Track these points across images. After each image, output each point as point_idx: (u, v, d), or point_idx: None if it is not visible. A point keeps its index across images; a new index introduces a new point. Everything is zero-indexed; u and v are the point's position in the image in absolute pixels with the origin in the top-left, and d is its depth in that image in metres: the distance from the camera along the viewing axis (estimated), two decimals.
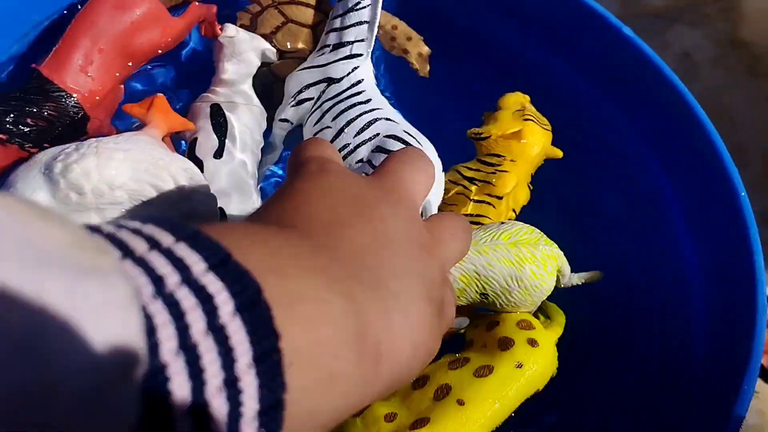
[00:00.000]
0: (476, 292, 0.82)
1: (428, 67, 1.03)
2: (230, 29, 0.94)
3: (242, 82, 0.96)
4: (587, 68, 1.03)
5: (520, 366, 0.78)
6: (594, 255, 0.89)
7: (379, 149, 0.87)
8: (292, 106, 0.94)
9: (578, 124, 1.02)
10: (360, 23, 0.93)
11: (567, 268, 0.85)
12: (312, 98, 0.93)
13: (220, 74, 0.96)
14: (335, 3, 0.98)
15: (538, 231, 0.85)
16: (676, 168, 0.96)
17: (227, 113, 0.92)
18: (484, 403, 0.76)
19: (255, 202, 0.90)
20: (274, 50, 0.97)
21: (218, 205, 0.86)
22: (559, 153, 0.99)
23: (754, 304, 0.80)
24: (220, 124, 0.91)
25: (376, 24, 0.94)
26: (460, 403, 0.76)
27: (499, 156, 0.96)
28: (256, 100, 0.97)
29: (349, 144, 0.87)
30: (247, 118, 0.93)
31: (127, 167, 0.81)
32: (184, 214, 0.85)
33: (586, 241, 0.94)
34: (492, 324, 0.83)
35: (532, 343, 0.80)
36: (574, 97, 1.03)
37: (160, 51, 0.97)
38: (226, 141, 0.90)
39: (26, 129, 0.85)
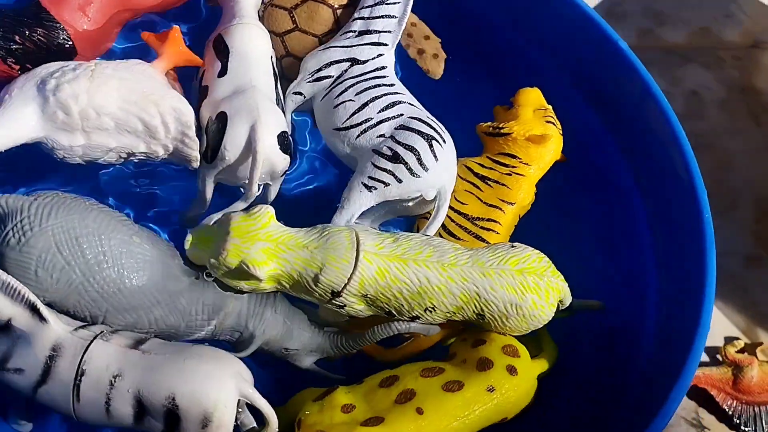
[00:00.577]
0: (474, 311, 0.81)
1: (441, 71, 1.04)
2: None
3: (245, 11, 0.97)
4: (579, 80, 1.04)
5: (491, 390, 0.77)
6: (567, 266, 0.87)
7: (403, 127, 0.88)
8: (309, 81, 0.96)
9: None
10: (389, 16, 0.97)
11: (568, 299, 0.84)
12: (331, 76, 0.95)
13: (225, 10, 0.98)
14: None
15: (547, 260, 0.84)
16: (649, 183, 0.97)
17: (231, 36, 0.94)
18: (443, 417, 0.75)
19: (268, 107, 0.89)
20: None
21: (219, 111, 0.87)
22: (564, 158, 0.97)
23: (696, 330, 0.81)
24: (221, 49, 0.94)
25: (405, 21, 0.97)
26: (419, 411, 0.75)
27: (513, 157, 0.93)
28: (259, 23, 0.98)
29: (371, 118, 0.90)
30: (248, 35, 0.94)
31: (116, 96, 0.84)
32: (165, 151, 0.88)
33: (561, 249, 0.93)
34: (478, 342, 0.83)
35: (512, 370, 0.79)
36: (567, 110, 1.01)
37: (160, 9, 0.99)
38: (230, 62, 0.92)
39: (13, 46, 0.87)
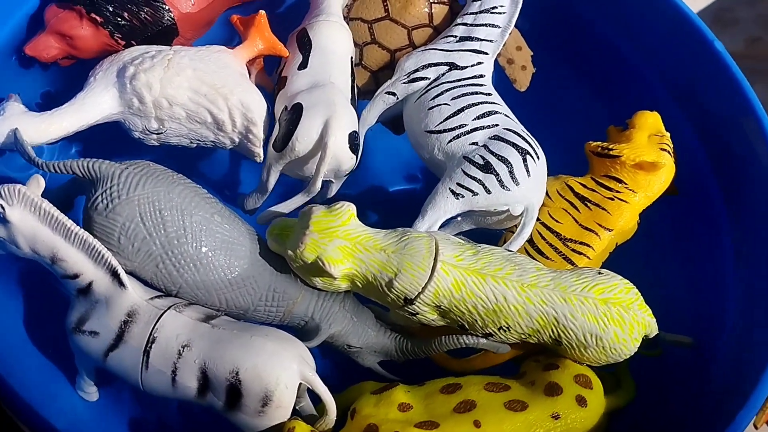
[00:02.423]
0: (550, 336, 0.79)
1: (527, 83, 1.01)
2: None
3: (332, 8, 0.96)
4: (671, 82, 0.99)
5: (555, 417, 0.75)
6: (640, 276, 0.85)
7: (497, 138, 0.87)
8: (404, 82, 0.95)
9: None
10: (493, 26, 0.95)
11: (654, 333, 0.81)
12: (428, 78, 0.94)
13: (313, 5, 0.97)
14: (463, 1, 0.99)
15: (636, 292, 0.80)
16: (736, 196, 0.93)
17: (315, 31, 0.94)
18: None
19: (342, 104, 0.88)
20: None
21: (296, 102, 0.86)
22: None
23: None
24: (304, 43, 0.94)
25: (508, 32, 0.95)
26: (477, 424, 0.73)
27: (619, 182, 0.89)
28: (343, 23, 0.97)
29: (466, 125, 0.88)
30: (332, 33, 0.94)
31: (187, 87, 0.86)
32: (231, 143, 0.89)
33: (640, 273, 0.90)
34: (550, 366, 0.80)
35: (581, 401, 0.76)
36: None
37: None
38: (311, 56, 0.92)
39: (121, 22, 0.90)
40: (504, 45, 0.99)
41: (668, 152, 0.90)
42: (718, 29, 1.30)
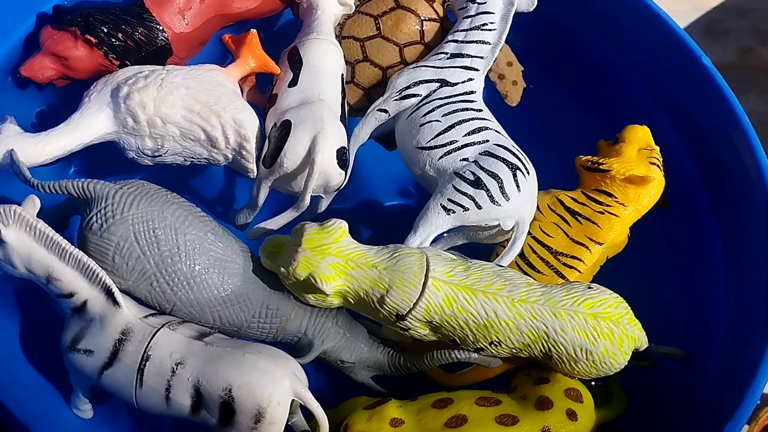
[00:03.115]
0: (541, 351, 0.79)
1: (518, 98, 1.02)
2: None
3: (323, 27, 0.98)
4: (661, 96, 1.00)
5: (546, 431, 0.75)
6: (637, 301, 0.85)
7: (488, 153, 0.87)
8: (396, 99, 0.96)
9: None
10: (483, 42, 0.96)
11: (644, 346, 0.81)
12: (419, 95, 0.95)
13: (304, 24, 0.99)
14: (454, 18, 1.00)
15: (626, 306, 0.80)
16: (726, 208, 0.93)
17: (305, 49, 0.95)
18: None
19: (331, 122, 0.89)
20: (351, 0, 0.99)
21: (284, 119, 0.87)
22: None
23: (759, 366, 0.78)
24: (295, 60, 0.95)
25: (499, 48, 0.96)
26: None
27: (609, 195, 0.90)
28: (334, 41, 0.98)
29: (456, 141, 0.89)
30: (322, 50, 0.95)
31: (180, 106, 0.87)
32: (225, 160, 0.90)
33: (631, 282, 0.90)
34: (541, 380, 0.81)
35: (571, 415, 0.76)
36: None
37: (253, 16, 1.00)
38: (301, 73, 0.93)
39: (116, 42, 0.91)
40: (496, 61, 1.00)
41: (658, 166, 0.90)
42: (710, 40, 1.31)
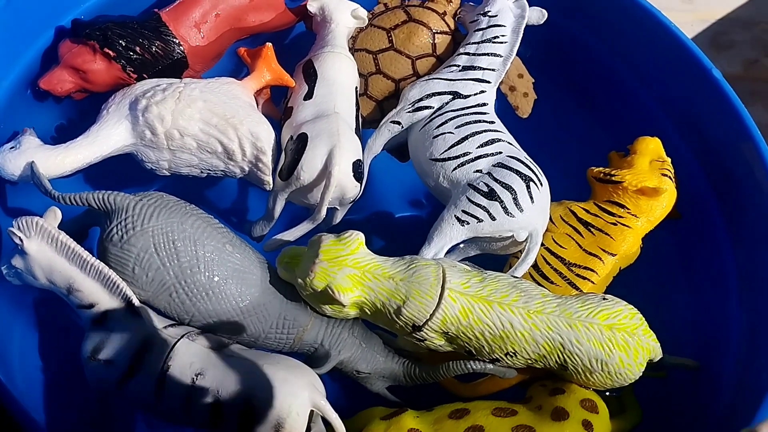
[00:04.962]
0: (556, 362, 0.80)
1: (529, 110, 1.03)
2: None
3: (337, 40, 0.99)
4: (671, 108, 1.01)
5: None
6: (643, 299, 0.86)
7: (501, 165, 0.88)
8: (409, 111, 0.97)
9: None
10: (495, 55, 0.97)
11: (658, 357, 0.82)
12: (432, 107, 0.96)
13: (318, 37, 1.00)
14: (465, 31, 1.02)
15: (640, 317, 0.81)
16: (737, 219, 0.94)
17: (320, 62, 0.96)
18: None
19: (348, 134, 0.90)
20: (364, 13, 1.00)
21: (301, 132, 0.88)
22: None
23: None
24: (309, 74, 0.96)
25: (510, 61, 0.97)
26: None
27: (621, 206, 0.91)
28: (348, 54, 0.99)
29: (470, 153, 0.90)
30: (337, 63, 0.96)
31: (198, 119, 0.88)
32: (241, 172, 0.91)
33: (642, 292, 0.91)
34: (557, 390, 0.81)
35: (587, 426, 0.76)
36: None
37: (267, 30, 1.02)
38: (316, 86, 0.94)
39: (133, 56, 0.92)
40: (507, 74, 1.00)
41: (669, 177, 0.91)
42: (716, 53, 1.32)
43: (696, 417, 0.87)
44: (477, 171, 0.89)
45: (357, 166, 0.89)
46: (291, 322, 0.84)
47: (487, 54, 0.97)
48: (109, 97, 0.91)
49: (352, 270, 0.77)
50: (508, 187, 0.86)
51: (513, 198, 0.86)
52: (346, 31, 1.01)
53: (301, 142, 0.89)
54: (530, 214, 0.86)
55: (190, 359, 0.78)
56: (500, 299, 0.78)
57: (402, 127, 0.98)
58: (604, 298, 0.81)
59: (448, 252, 0.88)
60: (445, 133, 0.93)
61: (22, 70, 0.95)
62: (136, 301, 0.79)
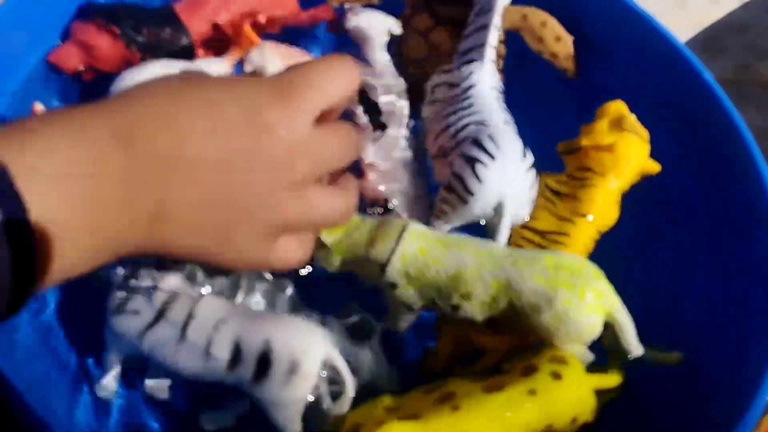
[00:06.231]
0: (507, 303, 0.80)
1: (576, 69, 1.01)
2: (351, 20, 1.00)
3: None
4: (661, 112, 1.00)
5: (532, 392, 0.75)
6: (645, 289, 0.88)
7: (458, 155, 0.88)
8: (426, 104, 0.99)
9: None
10: (478, 29, 0.95)
11: (624, 321, 0.80)
12: (438, 99, 0.97)
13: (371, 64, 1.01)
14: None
15: (593, 266, 0.80)
16: (730, 225, 0.94)
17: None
18: (479, 414, 0.74)
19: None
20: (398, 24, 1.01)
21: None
22: (656, 167, 0.93)
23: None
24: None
25: (491, 28, 0.94)
26: (455, 407, 0.75)
27: (588, 170, 0.91)
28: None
29: (444, 146, 0.91)
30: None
31: None
32: None
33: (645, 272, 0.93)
34: (529, 356, 0.82)
35: (556, 375, 0.77)
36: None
37: (276, 25, 1.04)
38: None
39: (139, 37, 0.95)
40: (543, 42, 1.00)
41: (629, 131, 0.91)
42: (708, 57, 1.34)
43: (684, 418, 0.88)
44: (449, 164, 0.90)
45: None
46: None
47: (476, 30, 0.96)
48: (117, 77, 0.92)
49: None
50: (457, 176, 0.87)
51: (462, 185, 0.87)
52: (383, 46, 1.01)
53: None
54: (482, 193, 0.86)
55: (215, 309, 0.80)
56: (456, 242, 0.82)
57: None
58: (558, 253, 0.83)
59: None
60: (435, 130, 0.94)
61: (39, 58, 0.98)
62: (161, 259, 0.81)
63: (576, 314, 0.78)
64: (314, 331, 0.80)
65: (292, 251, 0.71)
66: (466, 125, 0.90)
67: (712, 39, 1.36)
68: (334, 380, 0.80)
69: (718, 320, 0.93)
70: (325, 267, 0.87)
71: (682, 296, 0.98)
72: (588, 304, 0.78)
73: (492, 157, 0.87)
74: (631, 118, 0.93)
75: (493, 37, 0.96)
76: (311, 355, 0.78)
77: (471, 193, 0.86)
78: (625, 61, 1.05)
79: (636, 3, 1.01)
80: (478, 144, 0.88)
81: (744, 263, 0.94)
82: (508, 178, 0.88)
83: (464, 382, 0.78)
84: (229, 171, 0.60)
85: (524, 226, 0.90)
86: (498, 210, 0.87)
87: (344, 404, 0.80)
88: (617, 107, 0.94)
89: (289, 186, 0.64)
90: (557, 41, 1.00)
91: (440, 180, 0.93)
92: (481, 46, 0.94)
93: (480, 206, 0.87)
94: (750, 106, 1.01)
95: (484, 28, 0.95)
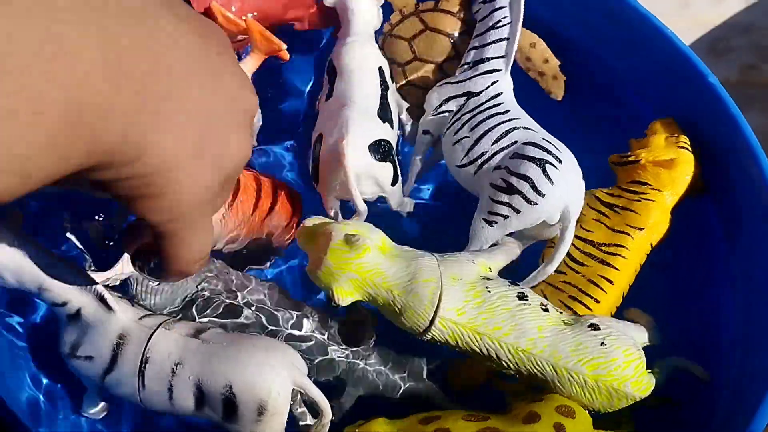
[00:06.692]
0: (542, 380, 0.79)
1: (561, 92, 1.02)
2: None
3: (355, 28, 0.97)
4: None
5: None
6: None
7: (515, 156, 0.86)
8: (432, 117, 0.96)
9: None
10: (500, 40, 0.94)
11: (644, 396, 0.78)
12: (451, 111, 0.95)
13: (339, 33, 0.99)
14: (476, 20, 0.99)
15: (636, 366, 0.77)
16: (736, 227, 0.93)
17: (336, 58, 0.94)
18: None
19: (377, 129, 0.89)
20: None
21: (318, 133, 0.88)
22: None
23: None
24: (330, 73, 0.94)
25: (516, 40, 0.94)
26: None
27: (644, 184, 0.91)
28: (369, 39, 0.98)
29: (486, 152, 0.88)
30: (351, 52, 0.94)
31: None
32: None
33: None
34: (535, 400, 0.79)
35: (559, 428, 0.73)
36: None
37: (294, 27, 1.03)
38: (335, 84, 0.93)
39: None
40: (531, 60, 0.99)
41: (687, 149, 0.92)
42: (713, 58, 1.32)
43: (691, 425, 0.87)
44: (496, 168, 0.87)
45: (377, 147, 0.86)
46: None
47: (493, 42, 0.95)
48: None
49: (354, 275, 0.77)
50: (524, 177, 0.84)
51: (531, 185, 0.83)
52: (365, 17, 0.98)
53: (318, 143, 0.88)
54: (554, 195, 0.84)
55: (169, 349, 0.76)
56: (491, 331, 0.77)
57: (432, 135, 0.97)
58: (602, 343, 0.78)
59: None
60: (461, 138, 0.91)
61: None
62: (108, 296, 0.77)
63: (608, 410, 0.79)
64: (275, 363, 0.75)
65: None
66: (511, 130, 0.89)
67: (717, 40, 1.35)
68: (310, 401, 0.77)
69: (727, 333, 0.91)
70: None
71: (690, 307, 0.96)
72: (622, 406, 0.78)
73: (560, 160, 0.85)
74: (685, 137, 0.93)
75: (515, 48, 0.95)
76: (276, 393, 0.74)
77: (541, 195, 0.83)
78: (629, 63, 1.03)
79: (640, 4, 1.00)
80: (539, 147, 0.86)
81: (748, 272, 0.92)
82: (574, 183, 0.87)
83: (459, 419, 0.75)
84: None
85: (580, 239, 0.89)
86: (564, 215, 0.85)
87: (323, 428, 0.77)
88: (669, 124, 0.94)
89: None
90: (545, 63, 1.02)
91: (473, 188, 0.91)
92: (503, 57, 0.94)
93: (547, 210, 0.84)
94: (755, 107, 1.00)
95: (504, 40, 0.95)
